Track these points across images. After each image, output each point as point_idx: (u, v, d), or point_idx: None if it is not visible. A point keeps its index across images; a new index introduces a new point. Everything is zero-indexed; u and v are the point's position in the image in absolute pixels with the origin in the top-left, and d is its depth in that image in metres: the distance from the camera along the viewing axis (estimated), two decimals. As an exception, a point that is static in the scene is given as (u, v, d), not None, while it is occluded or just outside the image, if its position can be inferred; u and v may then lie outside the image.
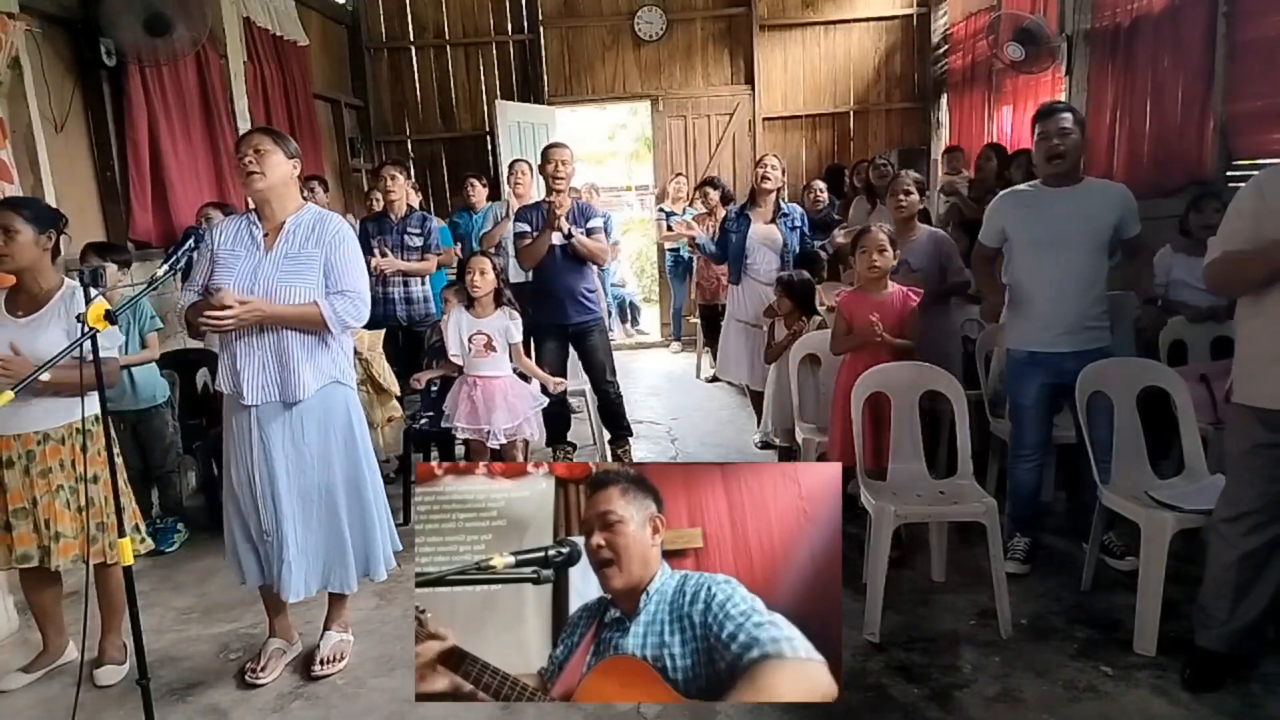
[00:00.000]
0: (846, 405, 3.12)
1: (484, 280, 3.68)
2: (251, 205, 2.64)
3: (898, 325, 3.18)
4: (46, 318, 2.58)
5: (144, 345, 3.75)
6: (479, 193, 6.02)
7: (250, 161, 2.47)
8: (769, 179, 4.47)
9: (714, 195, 6.22)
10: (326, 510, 2.62)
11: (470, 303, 3.74)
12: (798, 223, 4.55)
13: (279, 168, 2.51)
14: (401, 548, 2.85)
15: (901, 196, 3.71)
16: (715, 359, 6.66)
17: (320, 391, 2.56)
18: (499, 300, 3.74)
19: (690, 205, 7.18)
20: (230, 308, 2.36)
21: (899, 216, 3.75)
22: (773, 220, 4.51)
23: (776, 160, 4.55)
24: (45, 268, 2.63)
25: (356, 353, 4.05)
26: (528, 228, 4.27)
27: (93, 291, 2.06)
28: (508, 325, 3.72)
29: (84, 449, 2.62)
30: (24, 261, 2.56)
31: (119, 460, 2.71)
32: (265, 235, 2.55)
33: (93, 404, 2.66)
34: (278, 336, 2.49)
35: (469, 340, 3.70)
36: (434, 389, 4.10)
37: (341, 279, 2.57)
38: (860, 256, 3.24)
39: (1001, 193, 3.21)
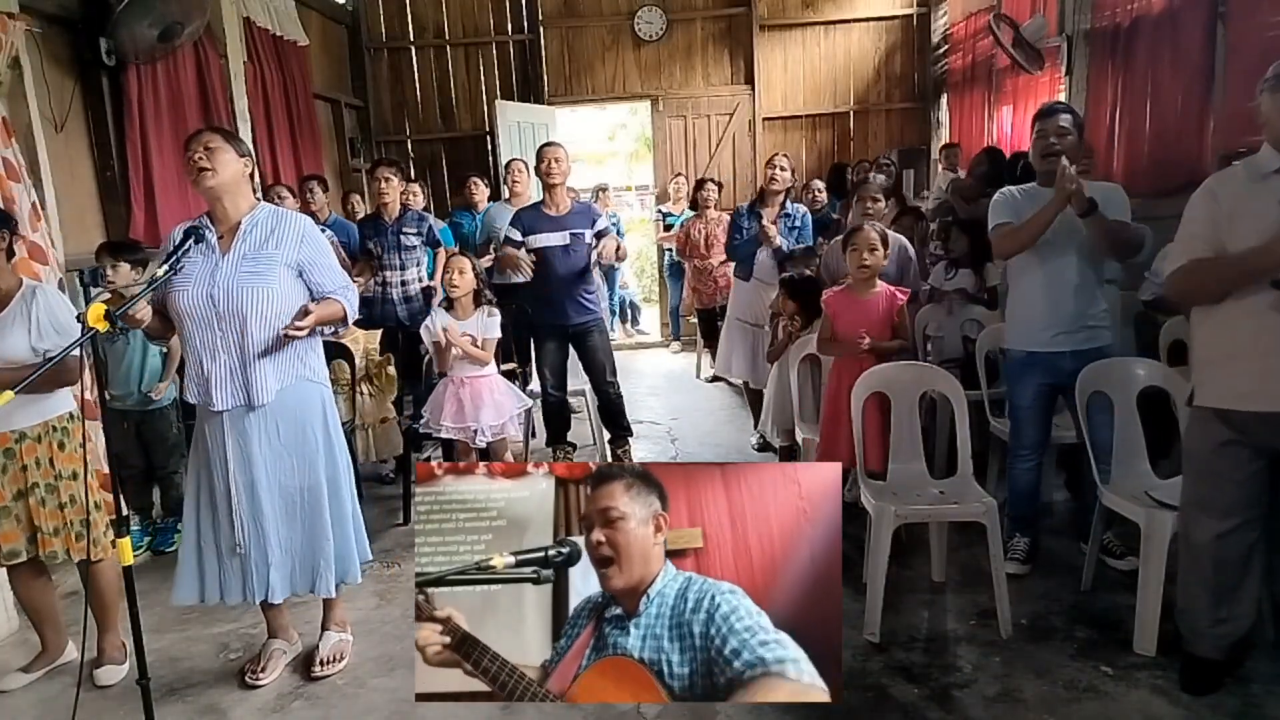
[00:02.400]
0: (838, 408, 3.15)
1: (463, 280, 3.67)
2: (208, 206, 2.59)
3: (885, 325, 3.19)
4: (8, 319, 2.57)
5: (166, 350, 3.72)
6: (480, 192, 6.03)
7: (200, 158, 2.42)
8: (776, 180, 4.48)
9: (714, 196, 6.19)
10: (310, 511, 2.58)
11: (450, 304, 3.73)
12: (798, 224, 4.54)
13: (230, 165, 2.47)
14: (371, 556, 2.81)
15: (869, 202, 3.77)
16: (715, 359, 6.68)
17: (291, 390, 2.53)
18: (479, 300, 3.74)
19: (690, 206, 7.13)
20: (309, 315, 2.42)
21: (869, 221, 3.78)
22: (775, 220, 4.51)
23: (786, 160, 4.55)
24: (1, 270, 2.63)
25: (348, 352, 4.06)
26: (518, 235, 4.27)
27: (93, 290, 2.06)
28: (486, 324, 3.71)
29: (61, 446, 2.63)
30: None
31: (94, 458, 2.73)
32: (220, 238, 2.50)
33: (67, 403, 2.67)
34: (240, 339, 2.45)
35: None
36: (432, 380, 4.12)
37: (337, 276, 2.59)
38: (851, 255, 3.25)
39: (1001, 190, 3.19)
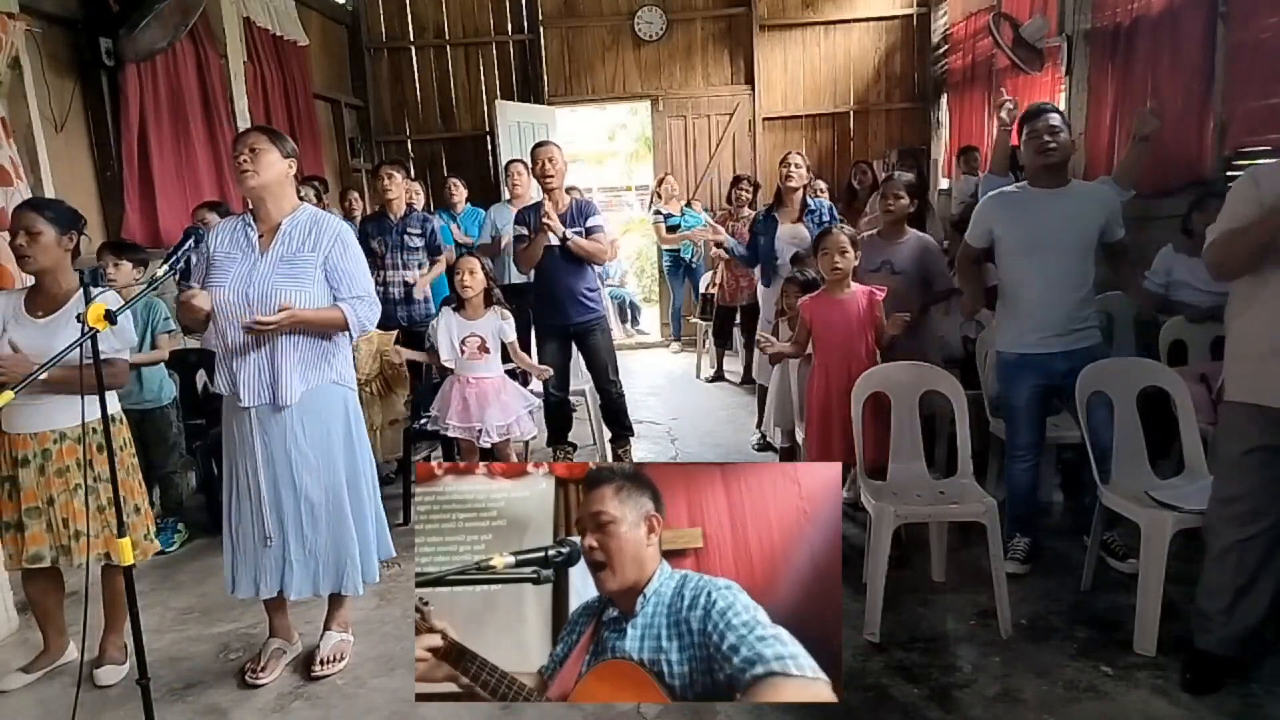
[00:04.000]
0: (824, 409, 3.20)
1: (474, 280, 3.68)
2: (251, 205, 2.63)
3: (866, 325, 3.21)
4: (64, 318, 2.58)
5: (155, 345, 3.75)
6: (459, 194, 6.11)
7: (245, 160, 2.45)
8: (792, 178, 4.46)
9: (747, 195, 6.10)
10: (334, 512, 2.61)
11: (460, 305, 3.73)
12: (825, 218, 4.50)
13: (274, 166, 2.49)
14: (395, 554, 2.84)
15: (892, 200, 3.75)
16: (717, 360, 6.67)
17: (316, 392, 2.55)
18: (489, 300, 3.74)
19: (726, 201, 6.99)
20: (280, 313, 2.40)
21: (889, 220, 3.78)
22: (799, 219, 4.50)
23: (800, 158, 4.52)
24: (66, 269, 2.63)
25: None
26: (525, 230, 4.27)
27: (94, 290, 2.06)
28: (500, 325, 3.73)
29: (100, 447, 2.63)
30: (46, 262, 2.57)
31: (134, 461, 2.75)
32: (260, 236, 2.53)
33: (111, 404, 2.66)
34: (270, 339, 2.47)
35: (462, 343, 3.70)
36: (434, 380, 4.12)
37: (354, 284, 2.58)
38: (822, 258, 3.28)
39: (988, 195, 3.21)
